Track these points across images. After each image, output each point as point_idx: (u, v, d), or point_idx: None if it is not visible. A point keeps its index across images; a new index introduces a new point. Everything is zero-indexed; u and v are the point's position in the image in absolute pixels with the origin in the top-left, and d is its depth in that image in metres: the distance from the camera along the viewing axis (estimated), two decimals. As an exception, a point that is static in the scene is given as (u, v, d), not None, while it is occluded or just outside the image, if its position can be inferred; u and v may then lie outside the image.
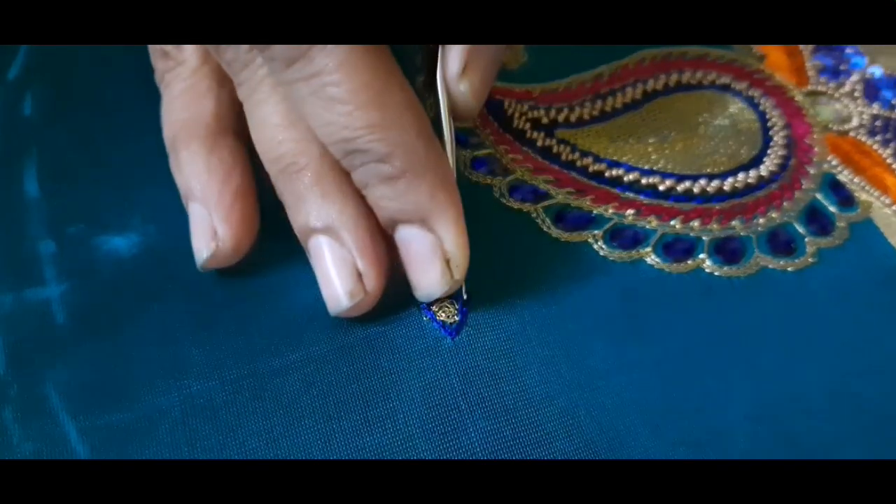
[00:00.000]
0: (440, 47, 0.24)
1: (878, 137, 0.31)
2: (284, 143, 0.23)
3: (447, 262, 0.23)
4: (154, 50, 0.26)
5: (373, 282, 0.23)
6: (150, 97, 0.26)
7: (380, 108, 0.21)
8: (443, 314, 0.24)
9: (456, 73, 0.24)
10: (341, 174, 0.23)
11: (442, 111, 0.24)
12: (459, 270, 0.23)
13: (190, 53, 0.25)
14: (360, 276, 0.23)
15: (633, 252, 0.26)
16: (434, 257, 0.23)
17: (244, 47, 0.22)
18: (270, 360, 0.23)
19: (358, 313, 0.24)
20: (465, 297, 0.24)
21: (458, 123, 0.25)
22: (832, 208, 0.28)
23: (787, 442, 0.23)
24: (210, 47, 0.24)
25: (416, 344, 0.24)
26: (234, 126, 0.25)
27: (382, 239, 0.23)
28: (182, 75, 0.25)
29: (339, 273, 0.23)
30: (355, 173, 0.22)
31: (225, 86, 0.25)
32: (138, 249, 0.26)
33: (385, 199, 0.22)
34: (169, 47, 0.26)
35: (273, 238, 0.25)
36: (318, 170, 0.23)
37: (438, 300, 0.24)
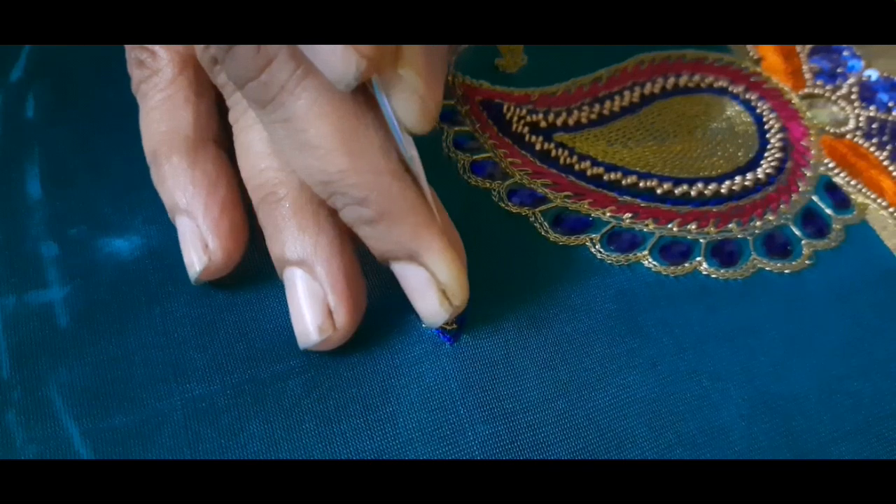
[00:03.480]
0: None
1: (874, 140, 0.31)
2: (266, 172, 0.23)
3: (443, 292, 0.23)
4: (130, 59, 0.26)
5: (343, 318, 0.23)
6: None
7: (349, 153, 0.21)
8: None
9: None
10: (320, 207, 0.23)
11: (393, 129, 0.21)
12: (457, 298, 0.23)
13: (166, 63, 0.25)
14: (330, 311, 0.23)
15: (631, 255, 0.27)
16: (429, 289, 0.23)
17: None
18: (271, 364, 0.23)
19: (327, 348, 0.23)
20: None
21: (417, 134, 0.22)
22: (828, 211, 0.29)
23: (783, 441, 0.23)
24: (206, 69, 0.24)
25: (416, 348, 0.24)
26: (215, 136, 0.25)
27: (358, 276, 0.23)
28: (159, 86, 0.25)
29: (310, 306, 0.23)
30: (342, 213, 0.22)
31: (203, 95, 0.25)
32: (140, 252, 0.26)
33: (371, 240, 0.22)
34: (144, 56, 0.25)
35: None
36: (296, 201, 0.23)
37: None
